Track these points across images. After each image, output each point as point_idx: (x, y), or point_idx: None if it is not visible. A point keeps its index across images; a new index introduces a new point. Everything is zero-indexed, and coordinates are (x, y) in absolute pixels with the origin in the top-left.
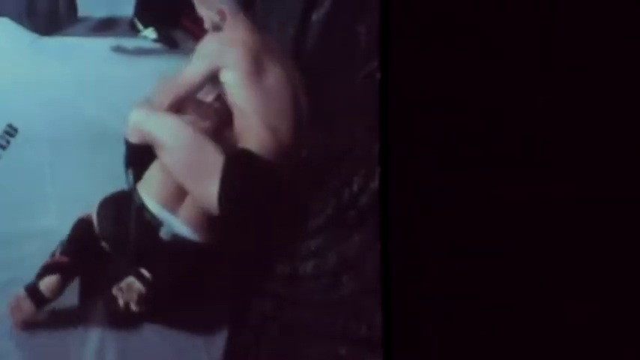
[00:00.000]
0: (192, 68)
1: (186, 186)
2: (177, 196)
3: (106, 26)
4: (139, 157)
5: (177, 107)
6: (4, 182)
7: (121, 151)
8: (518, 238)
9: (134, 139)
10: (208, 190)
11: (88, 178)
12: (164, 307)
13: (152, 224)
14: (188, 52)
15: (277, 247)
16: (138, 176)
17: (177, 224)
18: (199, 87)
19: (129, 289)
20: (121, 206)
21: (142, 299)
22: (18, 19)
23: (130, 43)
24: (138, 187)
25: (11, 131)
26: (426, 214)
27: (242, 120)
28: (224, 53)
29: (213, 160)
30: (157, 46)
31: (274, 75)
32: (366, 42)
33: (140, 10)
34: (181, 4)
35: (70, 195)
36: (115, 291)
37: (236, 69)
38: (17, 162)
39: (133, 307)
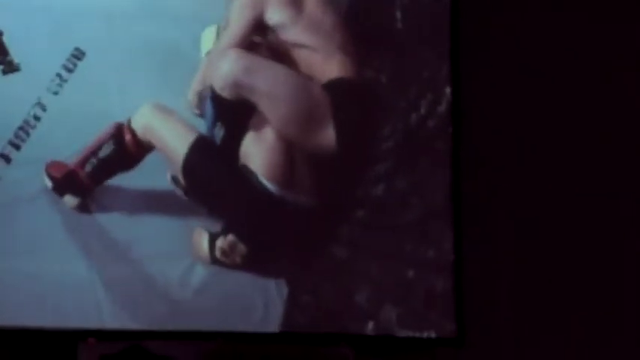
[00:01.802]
0: (239, 19)
1: (299, 138)
2: (288, 171)
3: None
4: (232, 113)
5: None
6: (73, 103)
7: (191, 71)
8: None
9: (228, 95)
10: (325, 134)
11: (153, 97)
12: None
13: (260, 197)
14: None
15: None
16: (229, 133)
17: (292, 196)
18: (249, 35)
19: (232, 249)
20: (212, 160)
21: (244, 259)
22: None
23: None
24: (242, 159)
25: (79, 54)
26: (495, 137)
27: (306, 54)
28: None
29: (323, 101)
30: None
31: (313, 4)
32: None
33: None
34: None
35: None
36: (221, 249)
37: (279, 8)
38: (85, 84)
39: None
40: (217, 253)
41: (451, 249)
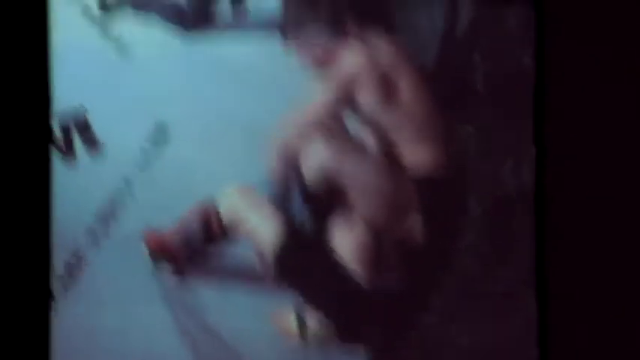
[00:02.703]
0: (323, 95)
1: (387, 227)
2: (377, 257)
3: (256, 21)
4: (320, 202)
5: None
6: (155, 179)
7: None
8: None
9: (316, 184)
10: (412, 222)
11: (239, 175)
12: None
13: (350, 282)
14: None
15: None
16: (318, 221)
17: (381, 278)
18: (333, 114)
19: (320, 330)
20: (302, 248)
21: (332, 340)
22: (167, 16)
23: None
24: (331, 245)
25: (165, 131)
26: (580, 207)
27: (391, 138)
28: (351, 77)
29: (410, 190)
30: None
31: (408, 93)
32: (519, 32)
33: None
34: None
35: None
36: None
37: (368, 90)
38: (170, 161)
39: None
40: (306, 334)
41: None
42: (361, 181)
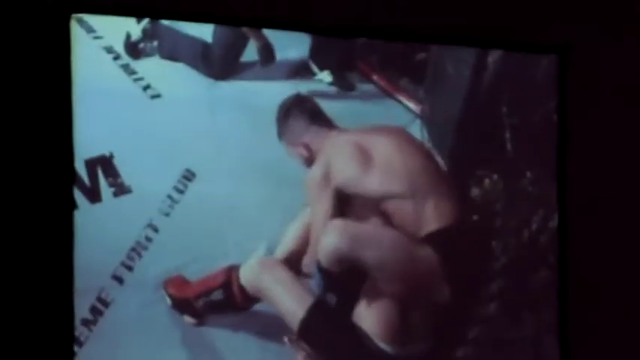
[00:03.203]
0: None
1: (412, 297)
2: (402, 329)
3: (281, 69)
4: (341, 283)
5: None
6: (184, 225)
7: (299, 194)
8: None
9: (336, 268)
10: (438, 289)
11: (266, 222)
12: None
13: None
14: (365, 95)
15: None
16: (341, 301)
17: (408, 350)
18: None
19: None
20: (329, 324)
21: None
22: (194, 64)
23: (306, 86)
24: (356, 321)
25: (189, 176)
26: (604, 255)
27: (394, 204)
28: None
29: (430, 259)
30: (333, 89)
31: (382, 155)
32: (543, 83)
33: (316, 54)
34: (357, 47)
35: (248, 239)
36: None
37: (345, 163)
38: (197, 205)
39: None
40: None
41: None
42: (380, 259)
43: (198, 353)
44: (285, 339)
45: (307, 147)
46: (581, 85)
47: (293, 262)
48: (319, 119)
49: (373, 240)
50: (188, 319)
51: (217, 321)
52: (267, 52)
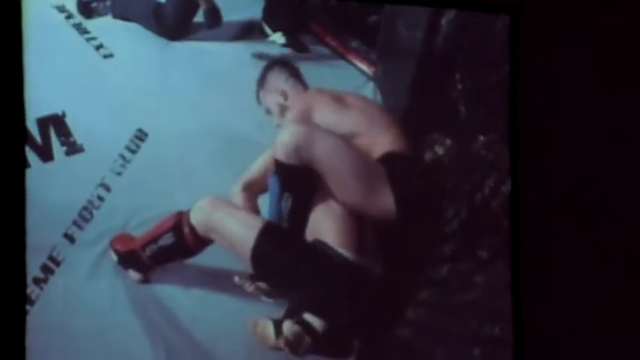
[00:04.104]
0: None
1: (361, 207)
2: (360, 238)
3: (234, 31)
4: (297, 180)
5: None
6: (136, 184)
7: (250, 152)
8: None
9: (293, 161)
10: (384, 200)
11: (217, 181)
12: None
13: (338, 267)
14: (318, 57)
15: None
16: (297, 204)
17: (366, 261)
18: None
19: (297, 340)
20: (283, 243)
21: (308, 350)
22: (147, 24)
23: (258, 47)
24: (313, 234)
25: (141, 135)
26: (555, 217)
27: (358, 141)
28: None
29: (377, 170)
30: (286, 50)
31: (351, 99)
32: (497, 46)
33: (268, 15)
34: (310, 8)
35: (199, 197)
36: (285, 340)
37: (326, 108)
38: (148, 164)
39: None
40: (282, 342)
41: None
42: (332, 161)
43: (144, 310)
44: (236, 278)
45: (285, 94)
46: (534, 46)
47: (253, 187)
48: (298, 77)
49: (327, 140)
50: (133, 275)
51: (163, 277)
52: (213, 15)
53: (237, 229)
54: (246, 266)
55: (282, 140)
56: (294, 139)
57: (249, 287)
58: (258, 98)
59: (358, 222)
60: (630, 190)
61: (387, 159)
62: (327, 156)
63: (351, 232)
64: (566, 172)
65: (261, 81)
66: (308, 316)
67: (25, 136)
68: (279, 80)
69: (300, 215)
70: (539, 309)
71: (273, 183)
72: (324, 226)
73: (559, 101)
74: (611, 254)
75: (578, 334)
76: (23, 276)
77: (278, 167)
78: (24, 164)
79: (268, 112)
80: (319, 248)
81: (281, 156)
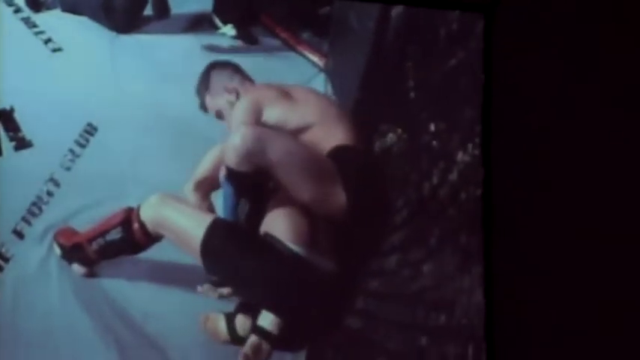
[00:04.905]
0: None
1: (313, 203)
2: (311, 233)
3: (184, 23)
4: (251, 186)
5: None
6: (86, 179)
7: (202, 147)
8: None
9: (245, 167)
10: (336, 197)
11: (168, 175)
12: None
13: (288, 262)
14: (268, 49)
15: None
16: (254, 207)
17: (318, 258)
18: None
19: (256, 352)
20: (237, 241)
21: (268, 355)
22: (96, 17)
23: (208, 39)
24: (265, 229)
25: (91, 130)
26: (523, 206)
27: (309, 135)
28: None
29: (328, 166)
30: (236, 42)
31: (299, 92)
32: (448, 36)
33: (219, 7)
34: (261, 0)
35: (150, 192)
36: (245, 356)
37: (274, 105)
38: (98, 159)
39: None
40: (235, 336)
41: (463, 314)
42: (284, 159)
43: (93, 306)
44: (199, 288)
45: (235, 91)
46: (505, 43)
47: (205, 185)
48: (242, 73)
49: (278, 140)
50: (78, 269)
51: (109, 271)
52: (161, 6)
53: (186, 224)
54: (196, 261)
55: (234, 145)
56: (246, 144)
57: (214, 294)
58: (204, 105)
59: (312, 220)
60: (603, 174)
61: (338, 153)
62: (279, 157)
63: (303, 229)
64: (539, 170)
65: (205, 85)
66: (262, 320)
67: None
68: (224, 79)
69: (257, 217)
70: (508, 299)
71: (226, 190)
72: (277, 222)
73: (532, 99)
74: (583, 241)
75: (548, 322)
76: None
77: (231, 175)
78: None
79: (219, 115)
80: (269, 242)
81: (233, 163)
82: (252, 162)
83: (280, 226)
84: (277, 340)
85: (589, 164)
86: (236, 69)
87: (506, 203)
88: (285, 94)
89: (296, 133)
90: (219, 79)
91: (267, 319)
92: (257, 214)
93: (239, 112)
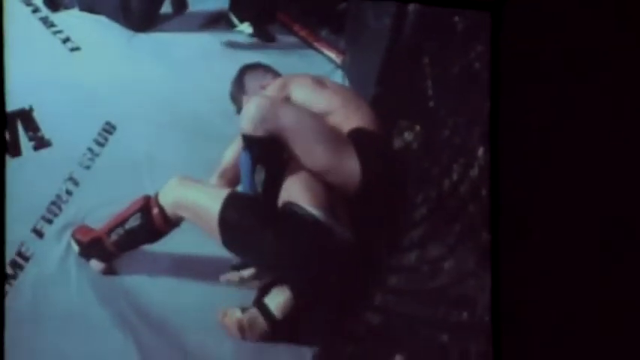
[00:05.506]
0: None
1: (326, 170)
2: (330, 199)
3: (201, 21)
4: (266, 153)
5: None
6: (105, 178)
7: (220, 144)
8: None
9: (260, 132)
10: (350, 167)
11: (186, 172)
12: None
13: (307, 228)
14: (285, 46)
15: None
16: (270, 173)
17: (336, 224)
18: None
19: (252, 324)
20: (254, 211)
21: (262, 336)
22: (113, 16)
23: (225, 37)
24: (284, 199)
25: (109, 129)
26: (531, 205)
27: (330, 119)
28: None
29: (344, 138)
30: (254, 40)
31: (331, 82)
32: (464, 32)
33: (235, 5)
34: None
35: None
36: (238, 322)
37: (303, 86)
38: (116, 157)
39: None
40: (235, 326)
41: (485, 311)
42: (298, 127)
43: (113, 303)
44: (221, 277)
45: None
46: (513, 41)
47: (228, 175)
48: (272, 70)
49: (292, 109)
50: (96, 265)
51: (127, 267)
52: (179, 1)
53: (205, 201)
54: (214, 237)
55: (248, 113)
56: (260, 110)
57: (235, 279)
58: (241, 109)
59: (327, 188)
60: (611, 176)
61: (357, 133)
62: (292, 123)
63: (320, 192)
64: (546, 168)
65: (240, 88)
66: (269, 300)
67: (4, 127)
68: (259, 78)
69: (274, 186)
70: (516, 295)
71: (243, 159)
72: (293, 188)
73: (540, 96)
74: (592, 240)
75: (556, 320)
76: (3, 270)
77: (247, 141)
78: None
79: None
80: (289, 209)
81: (248, 129)
82: (266, 128)
83: (297, 191)
84: (277, 325)
85: (600, 161)
86: (267, 68)
87: (514, 203)
88: (317, 80)
89: (320, 115)
90: (253, 79)
91: (274, 301)
92: (273, 182)
93: (268, 88)
